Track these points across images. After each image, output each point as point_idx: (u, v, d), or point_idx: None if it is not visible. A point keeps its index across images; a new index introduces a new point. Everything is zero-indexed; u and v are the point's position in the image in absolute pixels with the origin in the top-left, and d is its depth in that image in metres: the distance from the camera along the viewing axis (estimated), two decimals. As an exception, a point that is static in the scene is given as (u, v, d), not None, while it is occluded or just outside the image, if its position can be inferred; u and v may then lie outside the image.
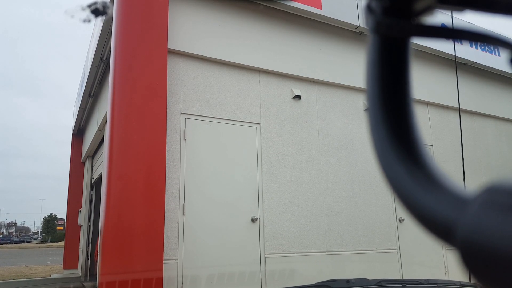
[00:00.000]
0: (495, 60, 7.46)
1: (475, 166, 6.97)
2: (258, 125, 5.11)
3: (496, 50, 7.55)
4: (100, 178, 7.77)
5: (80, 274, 9.97)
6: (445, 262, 6.08)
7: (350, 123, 5.85)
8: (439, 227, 0.28)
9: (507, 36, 0.31)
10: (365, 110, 5.55)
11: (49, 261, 17.76)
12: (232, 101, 4.99)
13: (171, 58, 4.59)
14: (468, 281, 1.88)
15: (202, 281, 4.32)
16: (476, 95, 7.35)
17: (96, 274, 6.35)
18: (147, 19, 4.42)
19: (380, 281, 1.93)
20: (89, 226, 9.98)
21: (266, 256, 4.74)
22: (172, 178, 4.36)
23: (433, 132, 6.65)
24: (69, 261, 10.86)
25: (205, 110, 4.79)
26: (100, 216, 4.27)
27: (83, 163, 11.01)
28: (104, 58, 6.63)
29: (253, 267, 4.63)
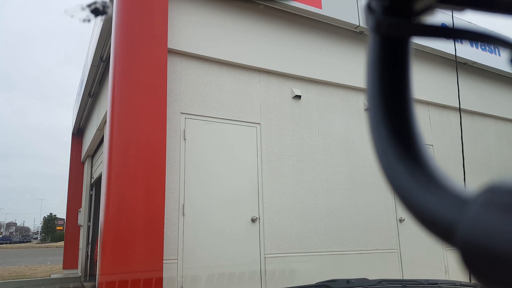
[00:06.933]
0: (496, 60, 7.46)
1: (476, 166, 6.97)
2: (258, 125, 5.10)
3: (496, 50, 7.55)
4: (100, 178, 7.77)
5: (80, 274, 9.96)
6: (446, 262, 6.08)
7: (350, 123, 5.85)
8: (440, 227, 0.28)
9: (507, 36, 0.31)
10: (365, 110, 5.56)
11: (49, 261, 17.76)
12: (232, 101, 4.99)
13: (171, 58, 4.59)
14: (469, 281, 1.88)
15: (202, 281, 4.32)
16: (476, 95, 7.35)
17: (96, 274, 6.35)
18: (147, 19, 4.42)
19: (380, 281, 1.93)
20: (88, 226, 9.97)
21: (266, 256, 4.74)
22: (172, 178, 4.36)
23: (434, 132, 6.65)
24: (69, 261, 10.86)
25: (205, 110, 4.79)
26: (100, 216, 4.27)
27: (83, 163, 11.01)
28: (104, 58, 6.63)
29: (253, 267, 4.63)
